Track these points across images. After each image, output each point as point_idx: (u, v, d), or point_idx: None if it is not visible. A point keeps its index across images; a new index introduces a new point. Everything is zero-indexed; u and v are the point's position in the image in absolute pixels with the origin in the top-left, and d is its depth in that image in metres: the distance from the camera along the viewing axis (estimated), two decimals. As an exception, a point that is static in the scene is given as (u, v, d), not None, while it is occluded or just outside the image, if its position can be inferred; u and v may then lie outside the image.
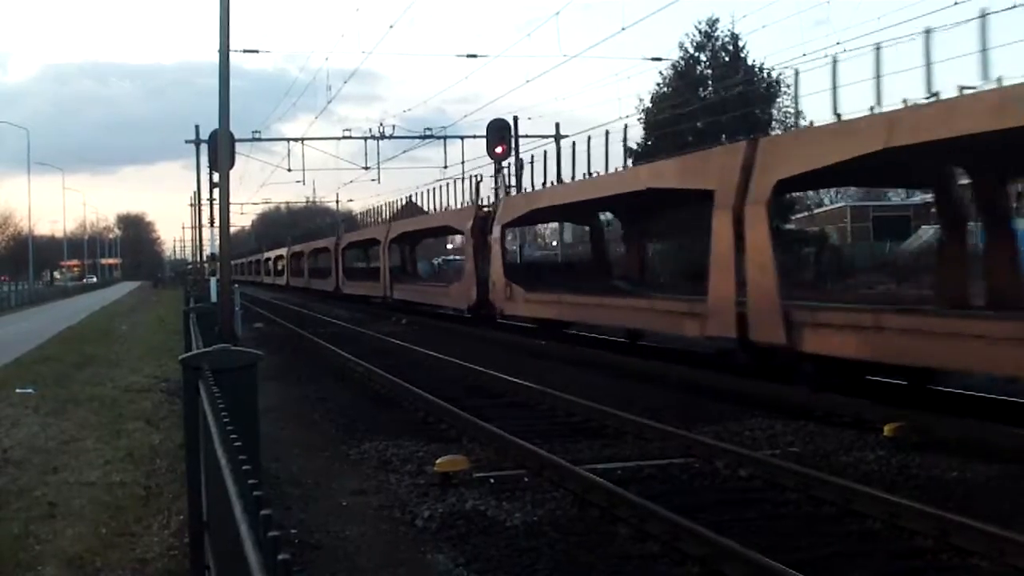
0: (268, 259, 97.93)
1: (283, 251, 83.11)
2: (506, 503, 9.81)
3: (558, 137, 40.99)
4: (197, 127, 43.58)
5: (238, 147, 36.32)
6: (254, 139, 45.01)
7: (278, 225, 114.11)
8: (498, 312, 29.33)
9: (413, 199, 47.47)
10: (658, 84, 44.94)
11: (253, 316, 41.59)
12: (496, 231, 29.49)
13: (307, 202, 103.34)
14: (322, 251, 65.85)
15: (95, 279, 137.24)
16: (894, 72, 14.14)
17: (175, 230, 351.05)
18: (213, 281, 29.60)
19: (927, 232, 56.12)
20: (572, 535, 8.75)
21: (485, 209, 32.39)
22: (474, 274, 31.12)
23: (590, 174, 25.15)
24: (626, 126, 26.68)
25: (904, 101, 13.36)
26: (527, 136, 43.73)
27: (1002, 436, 11.62)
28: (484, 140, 42.63)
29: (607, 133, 24.74)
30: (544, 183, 28.87)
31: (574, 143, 27.29)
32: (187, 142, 44.12)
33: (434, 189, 40.20)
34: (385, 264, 44.90)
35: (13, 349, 28.15)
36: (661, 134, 39.13)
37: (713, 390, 16.51)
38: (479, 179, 36.88)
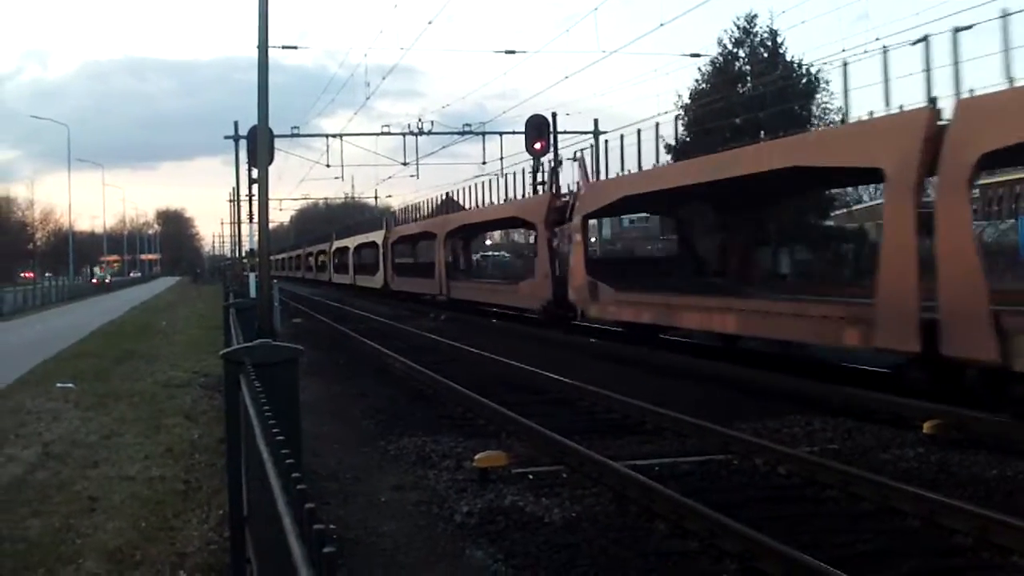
0: (341, 249, 68.23)
1: (375, 236, 56.02)
2: (544, 499, 9.81)
3: (597, 133, 40.85)
4: (236, 123, 43.71)
5: (277, 143, 36.48)
6: (293, 135, 45.14)
7: (317, 221, 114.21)
8: None
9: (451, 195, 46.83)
10: (697, 80, 44.61)
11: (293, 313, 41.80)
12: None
13: (346, 198, 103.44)
14: (482, 225, 44.19)
15: (140, 274, 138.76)
16: (973, 59, 14.01)
17: (214, 225, 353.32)
18: (252, 276, 29.80)
19: (968, 228, 55.45)
20: (610, 531, 8.73)
21: None
22: None
23: (629, 170, 25.27)
24: (657, 124, 26.57)
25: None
26: (566, 132, 43.53)
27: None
28: (523, 136, 42.59)
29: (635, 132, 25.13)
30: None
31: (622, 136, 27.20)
32: (226, 138, 44.23)
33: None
34: None
35: (53, 344, 28.47)
36: (699, 130, 38.90)
37: (751, 387, 16.45)
38: None
